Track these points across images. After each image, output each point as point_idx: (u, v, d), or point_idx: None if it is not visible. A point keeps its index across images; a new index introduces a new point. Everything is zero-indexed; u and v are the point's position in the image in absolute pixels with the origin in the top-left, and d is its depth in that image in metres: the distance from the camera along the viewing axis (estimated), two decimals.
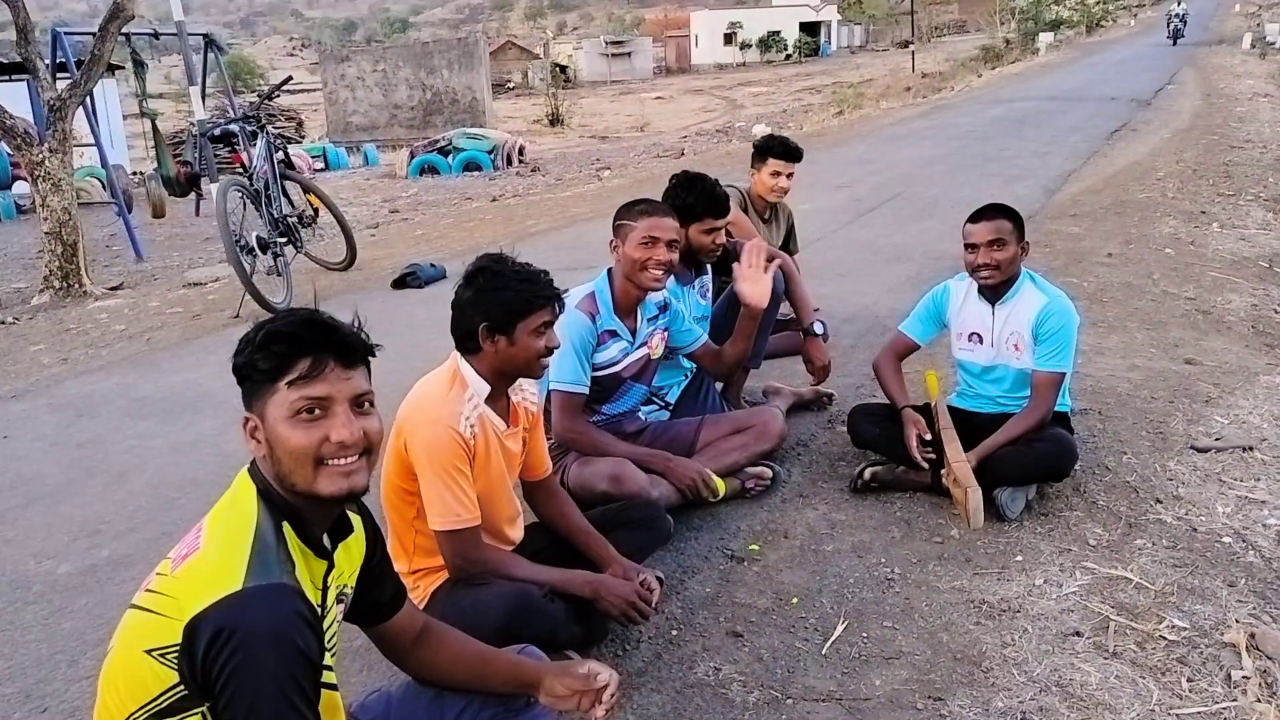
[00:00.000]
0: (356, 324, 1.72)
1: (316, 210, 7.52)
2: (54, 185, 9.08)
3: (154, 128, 13.35)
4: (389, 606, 1.96)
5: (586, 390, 3.26)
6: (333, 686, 1.73)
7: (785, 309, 5.11)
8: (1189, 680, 2.56)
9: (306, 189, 7.55)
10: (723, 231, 3.74)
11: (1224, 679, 2.57)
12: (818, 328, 4.13)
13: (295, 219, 7.18)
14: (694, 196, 3.67)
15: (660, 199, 3.70)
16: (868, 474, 3.58)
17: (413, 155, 19.06)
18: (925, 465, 3.45)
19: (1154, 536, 3.26)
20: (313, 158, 20.41)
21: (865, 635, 2.78)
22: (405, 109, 25.16)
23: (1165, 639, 2.73)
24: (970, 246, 3.46)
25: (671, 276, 3.70)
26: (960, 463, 3.37)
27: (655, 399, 3.83)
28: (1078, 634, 2.76)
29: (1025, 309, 3.47)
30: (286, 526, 1.63)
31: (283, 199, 7.10)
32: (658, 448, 3.41)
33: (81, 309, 7.68)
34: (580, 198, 12.13)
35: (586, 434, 3.23)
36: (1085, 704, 2.47)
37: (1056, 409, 3.49)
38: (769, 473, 3.57)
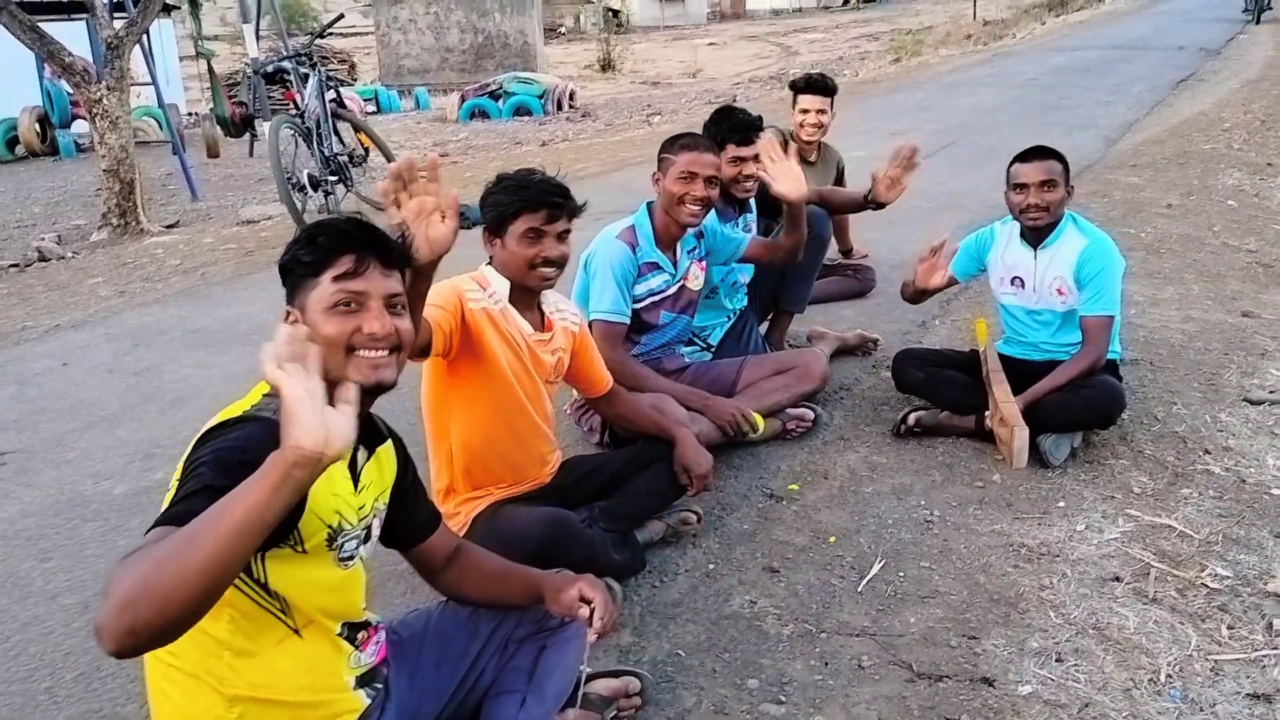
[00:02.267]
0: (398, 233, 1.77)
1: (367, 150, 7.56)
2: (111, 123, 9.17)
3: (209, 68, 13.45)
4: (423, 529, 2.03)
5: (627, 319, 3.27)
6: (349, 558, 1.73)
7: (831, 253, 5.09)
8: (1229, 628, 2.54)
9: (358, 128, 7.58)
10: (753, 164, 3.70)
11: (1265, 627, 2.54)
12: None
13: (346, 158, 7.23)
14: (719, 126, 3.65)
15: None
16: (911, 419, 3.57)
17: (463, 99, 18.98)
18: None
19: (1200, 486, 3.22)
20: (364, 100, 20.39)
21: (902, 574, 2.79)
22: (457, 52, 25.05)
23: (1207, 586, 2.71)
24: (1019, 187, 3.41)
25: (712, 212, 3.70)
26: (1008, 403, 3.34)
27: (697, 340, 3.83)
28: (1117, 579, 2.75)
29: (1067, 252, 3.42)
30: None
31: (334, 138, 7.14)
32: (699, 387, 3.42)
33: (138, 245, 7.82)
34: (630, 142, 12.05)
35: (627, 365, 3.25)
36: (1121, 647, 2.47)
37: (1107, 356, 3.44)
38: (810, 414, 3.57)
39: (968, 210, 6.80)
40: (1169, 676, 2.36)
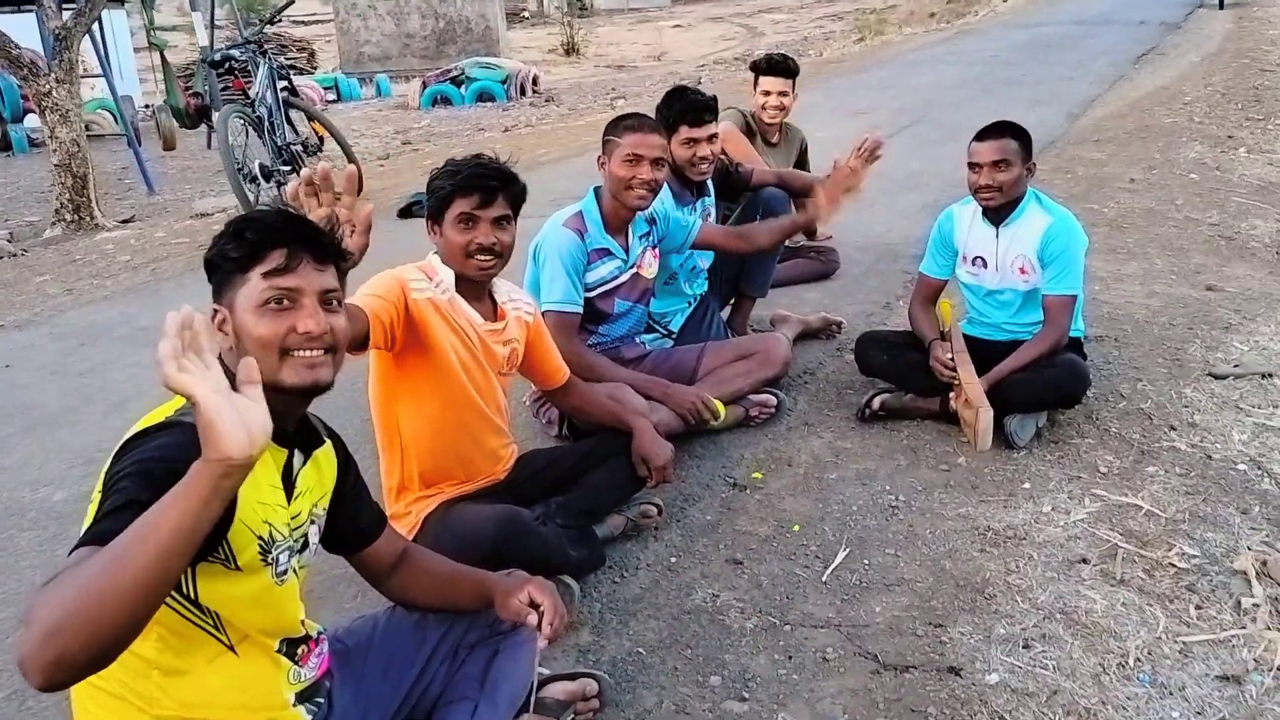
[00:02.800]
0: (329, 225, 1.68)
1: (322, 139, 7.42)
2: (62, 117, 8.97)
3: (163, 59, 13.19)
4: (367, 533, 1.95)
5: (579, 309, 3.19)
6: (283, 571, 1.64)
7: (796, 235, 5.01)
8: (1197, 608, 2.51)
9: (311, 117, 7.43)
10: (707, 145, 3.62)
11: (1233, 606, 2.51)
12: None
13: (300, 147, 7.08)
14: (670, 107, 3.57)
15: None
16: (876, 402, 3.51)
17: (425, 86, 18.75)
18: (951, 372, 3.34)
19: (1167, 464, 3.19)
20: (324, 89, 20.13)
21: (867, 563, 2.74)
22: (418, 38, 24.71)
23: (1175, 566, 2.67)
24: (974, 166, 3.35)
25: (671, 197, 3.61)
26: (972, 384, 3.29)
27: (658, 326, 3.76)
28: (1084, 561, 2.71)
29: (1029, 231, 3.37)
30: None
31: (287, 127, 6.99)
32: (659, 375, 3.34)
33: (89, 241, 7.64)
34: (593, 127, 11.91)
35: (583, 356, 3.17)
36: (1089, 631, 2.43)
37: (1070, 334, 3.40)
38: (773, 400, 3.51)
39: (931, 190, 6.76)
40: (1138, 660, 2.32)
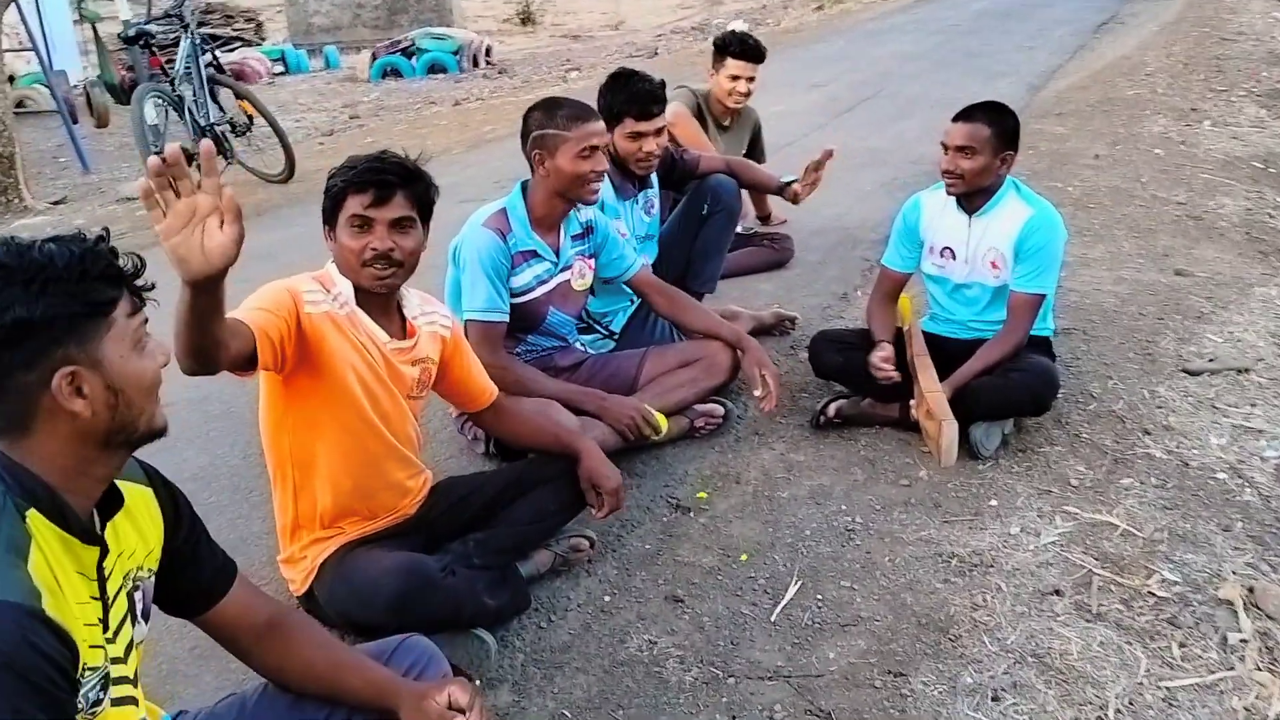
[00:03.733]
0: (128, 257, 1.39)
1: (251, 118, 6.99)
2: None
3: (95, 32, 12.59)
4: (209, 592, 1.63)
5: (504, 318, 2.90)
6: (130, 700, 1.41)
7: (746, 222, 4.74)
8: (1181, 645, 2.29)
9: (239, 95, 7.00)
10: (654, 139, 3.33)
11: (1219, 643, 2.30)
12: (786, 177, 4.06)
13: (226, 127, 6.67)
14: (615, 95, 3.27)
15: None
16: (831, 409, 3.25)
17: (375, 57, 18.18)
18: (894, 376, 3.10)
19: (1142, 474, 2.97)
20: (272, 60, 19.50)
21: (820, 598, 2.49)
22: (369, 8, 24.02)
23: (1155, 595, 2.45)
24: (943, 145, 3.09)
25: (611, 190, 3.33)
26: (935, 393, 3.04)
27: (598, 326, 3.47)
28: (1057, 592, 2.48)
29: (1006, 223, 3.10)
30: (34, 515, 1.30)
31: (212, 105, 6.58)
32: (597, 384, 3.06)
33: (6, 228, 7.19)
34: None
35: (509, 369, 2.88)
36: (1065, 676, 2.20)
37: (1036, 332, 3.16)
38: (720, 410, 3.23)
39: (889, 166, 6.50)
40: (1118, 711, 2.10)
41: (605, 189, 3.30)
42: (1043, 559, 2.60)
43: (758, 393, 2.99)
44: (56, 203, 8.82)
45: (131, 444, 1.41)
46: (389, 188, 2.11)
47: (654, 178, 3.60)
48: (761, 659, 2.28)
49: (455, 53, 18.19)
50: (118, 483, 1.46)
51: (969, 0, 16.18)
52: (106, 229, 1.41)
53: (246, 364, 1.94)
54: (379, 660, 1.76)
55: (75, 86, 15.01)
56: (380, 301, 2.22)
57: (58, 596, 1.28)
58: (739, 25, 16.81)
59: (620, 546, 2.71)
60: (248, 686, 1.76)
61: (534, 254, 2.96)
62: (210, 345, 1.72)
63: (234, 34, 22.46)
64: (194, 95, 6.37)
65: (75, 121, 11.16)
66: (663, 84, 3.42)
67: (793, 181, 3.97)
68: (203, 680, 2.17)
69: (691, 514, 2.85)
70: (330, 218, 2.16)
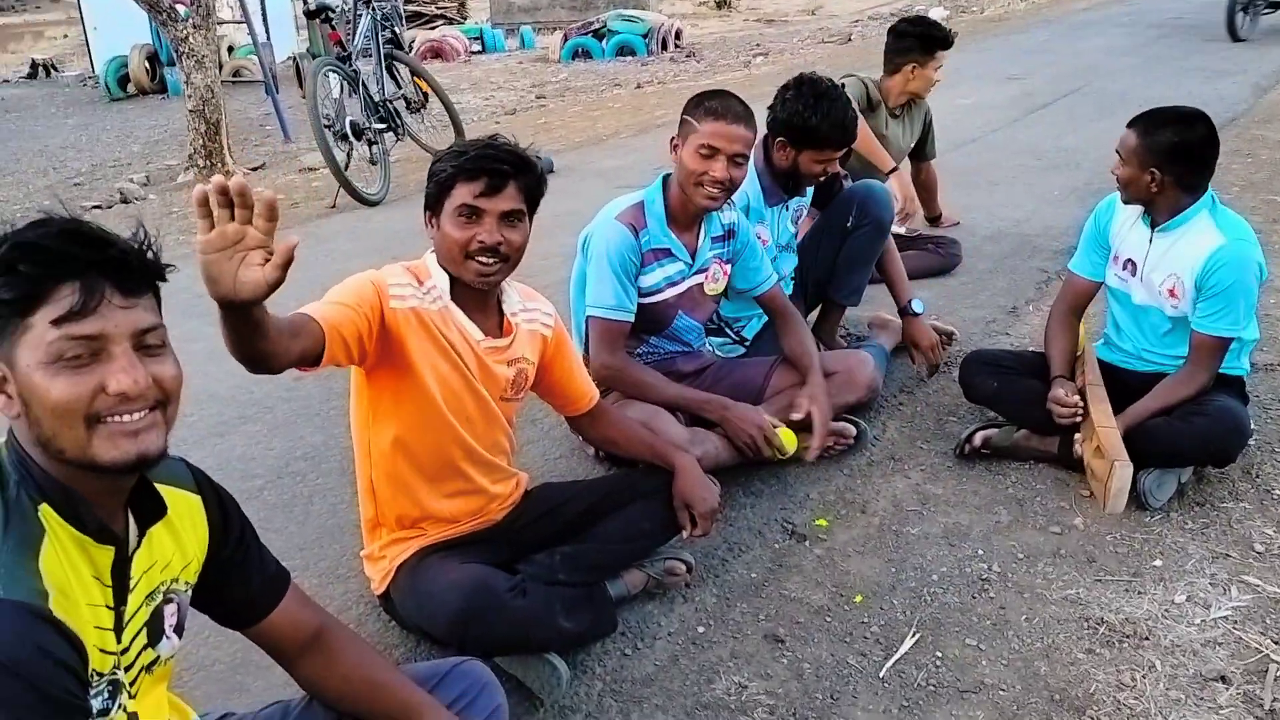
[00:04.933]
0: (140, 234, 1.25)
1: (426, 95, 7.09)
2: (197, 62, 9.00)
3: (305, 5, 13.14)
4: (259, 605, 1.53)
5: (629, 318, 2.72)
6: (132, 715, 1.32)
7: (912, 223, 4.43)
8: None
9: (415, 72, 7.11)
10: (834, 165, 3.09)
11: None
12: (917, 305, 3.40)
13: (400, 102, 6.78)
14: (821, 120, 2.94)
15: (771, 105, 3.06)
16: (978, 438, 2.94)
17: (566, 38, 18.43)
18: (1071, 417, 2.77)
19: None
20: (470, 39, 20.09)
21: (939, 655, 2.21)
22: None
23: None
24: None
25: (759, 193, 3.10)
26: (1108, 429, 2.69)
27: (729, 331, 3.26)
28: (1223, 679, 2.12)
29: (1190, 248, 2.69)
30: (47, 510, 1.20)
31: (388, 80, 6.69)
32: (721, 392, 2.84)
33: (191, 193, 7.57)
34: (721, 86, 11.34)
35: (627, 370, 2.71)
36: None
37: (1227, 370, 2.75)
38: (852, 430, 2.97)
39: (1082, 170, 5.98)
40: None
41: (753, 192, 3.09)
42: (1210, 636, 2.24)
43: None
44: (255, 168, 9.29)
45: (79, 466, 1.21)
46: (502, 177, 1.97)
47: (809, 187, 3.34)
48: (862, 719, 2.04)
49: (644, 35, 18.19)
50: (161, 488, 1.37)
51: None
52: (79, 221, 1.25)
53: (315, 361, 1.83)
54: (428, 684, 1.64)
55: (288, 59, 15.83)
56: (478, 296, 2.09)
57: (68, 596, 1.19)
58: (938, 12, 16.09)
59: (724, 572, 2.50)
60: (293, 696, 1.66)
61: (667, 253, 2.77)
62: (257, 356, 1.62)
63: (438, 12, 23.18)
64: (371, 70, 6.49)
65: (277, 92, 11.71)
66: (854, 118, 3.09)
67: (919, 313, 3.45)
68: (255, 688, 2.10)
69: (807, 543, 2.61)
70: (435, 205, 2.03)
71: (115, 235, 1.21)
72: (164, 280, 1.25)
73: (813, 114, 2.98)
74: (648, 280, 2.75)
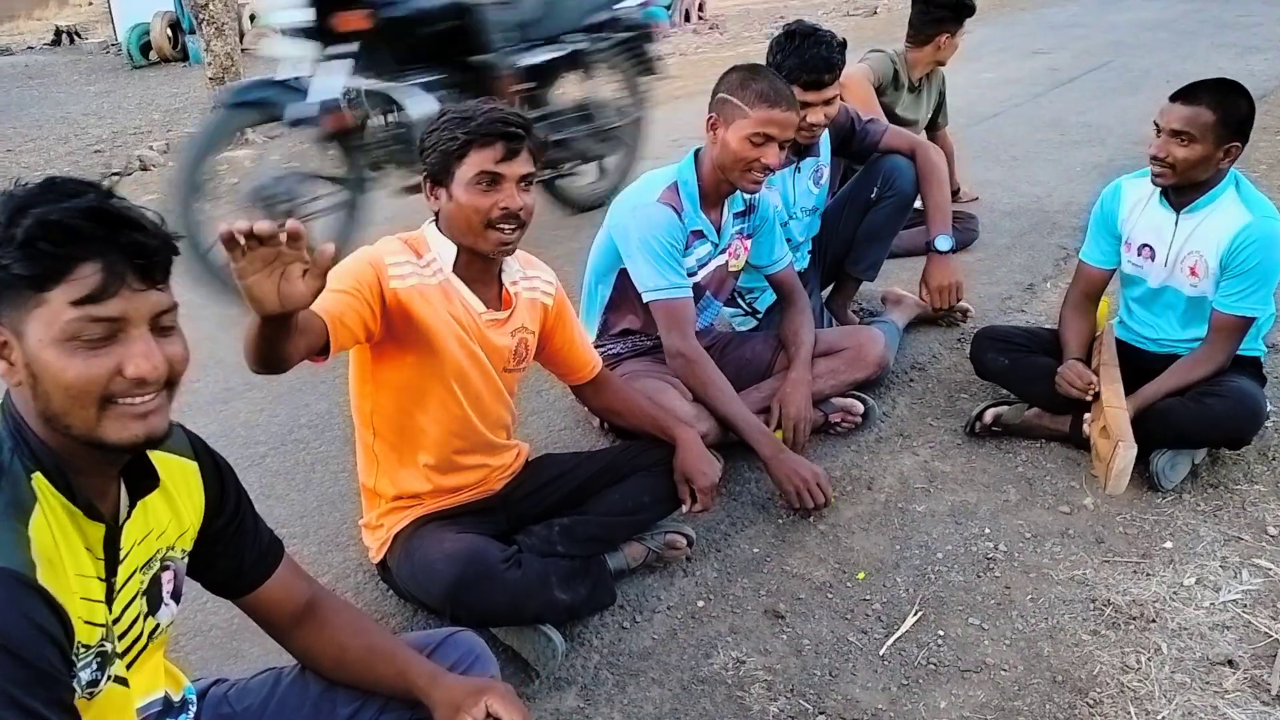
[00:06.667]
0: (159, 217, 1.23)
1: None
2: (217, 30, 9.00)
3: None
4: (251, 574, 1.52)
5: (689, 293, 2.66)
6: (122, 681, 1.31)
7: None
8: None
9: None
10: (821, 109, 2.98)
11: None
12: (942, 243, 3.27)
13: None
14: (786, 57, 2.92)
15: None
16: (989, 415, 2.90)
17: None
18: (1088, 394, 2.71)
19: None
20: None
21: (941, 634, 2.18)
22: None
23: None
24: (1155, 127, 2.63)
25: None
26: (1116, 409, 2.64)
27: (741, 302, 3.22)
28: (1230, 663, 2.08)
29: (1217, 226, 2.62)
30: (40, 480, 1.19)
31: None
32: (728, 365, 2.79)
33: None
34: (742, 58, 11.20)
35: (699, 366, 2.61)
36: None
37: (1244, 351, 2.70)
38: (859, 407, 2.92)
39: (1106, 146, 5.87)
40: None
41: None
42: (1218, 620, 2.20)
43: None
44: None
45: (80, 440, 1.20)
46: (518, 140, 1.94)
47: (824, 146, 3.27)
48: (861, 698, 2.01)
49: (668, 6, 18.04)
50: (155, 456, 1.35)
51: None
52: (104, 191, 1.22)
53: (323, 352, 1.82)
54: (422, 653, 1.63)
55: None
56: (480, 267, 2.06)
57: (55, 567, 1.17)
58: None
59: (726, 546, 2.48)
60: (286, 664, 1.65)
61: (700, 234, 2.73)
62: (277, 359, 1.64)
63: None
64: None
65: None
66: (843, 46, 3.03)
67: (947, 250, 3.30)
68: (250, 655, 2.10)
69: (810, 519, 2.58)
70: (442, 175, 1.98)
71: (138, 214, 1.18)
72: (178, 254, 1.23)
73: (779, 51, 2.95)
74: (686, 263, 2.70)
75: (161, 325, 1.21)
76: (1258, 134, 5.66)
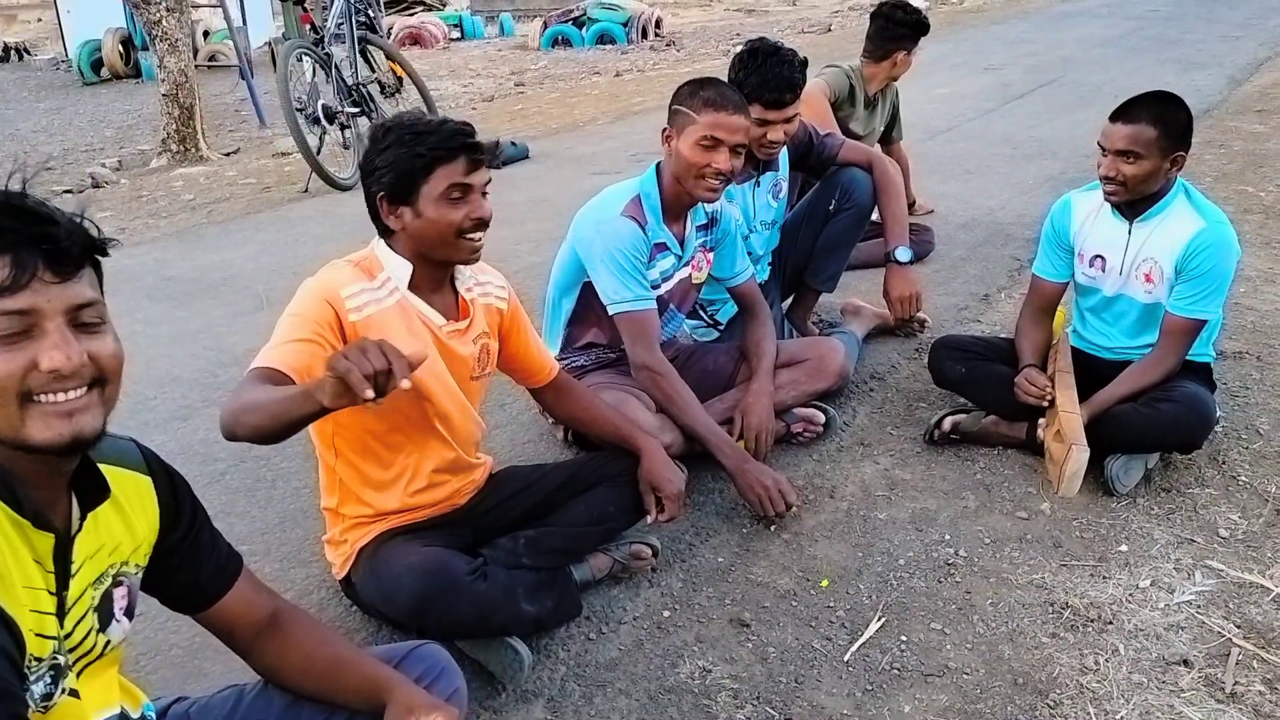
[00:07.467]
0: (78, 209, 1.21)
1: (401, 79, 7.03)
2: (171, 46, 8.91)
3: None
4: (209, 588, 1.51)
5: (654, 305, 2.67)
6: (74, 694, 1.29)
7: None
8: None
9: (390, 57, 7.05)
10: (782, 127, 3.02)
11: None
12: (901, 254, 3.33)
13: (375, 85, 6.72)
14: (748, 75, 2.95)
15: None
16: (947, 423, 2.94)
17: (546, 26, 18.37)
18: (1037, 400, 2.77)
19: None
20: (450, 25, 19.98)
21: (904, 640, 2.21)
22: None
23: None
24: (1101, 147, 2.69)
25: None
26: (1070, 414, 2.69)
27: (703, 314, 3.24)
28: (1185, 663, 2.12)
29: (1171, 233, 2.69)
30: None
31: (361, 63, 6.63)
32: (689, 376, 2.81)
33: (163, 176, 7.49)
34: (699, 74, 11.30)
35: (666, 379, 2.63)
36: None
37: (1194, 357, 2.76)
38: (821, 417, 2.95)
39: (1058, 159, 5.99)
40: None
41: None
42: (1173, 620, 2.25)
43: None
44: (229, 154, 9.20)
45: (9, 444, 1.17)
46: (479, 151, 1.96)
47: (783, 160, 3.31)
48: (826, 704, 2.03)
49: (625, 24, 18.15)
50: (106, 469, 1.33)
51: None
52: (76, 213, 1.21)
53: None
54: (389, 664, 1.62)
55: (264, 45, 15.68)
56: (434, 278, 2.05)
57: (3, 578, 1.16)
58: (919, 1, 16.00)
59: (690, 556, 2.49)
60: (248, 681, 1.63)
61: (664, 246, 2.75)
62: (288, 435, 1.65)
63: None
64: (344, 53, 6.43)
65: (253, 77, 11.60)
66: (804, 65, 3.06)
67: (906, 261, 3.37)
68: (213, 673, 2.07)
69: (774, 528, 2.60)
70: (407, 194, 1.95)
71: (54, 209, 1.17)
72: (105, 255, 1.22)
73: (741, 69, 2.98)
74: (650, 276, 2.72)
75: (83, 320, 1.18)
76: (1202, 148, 5.82)
